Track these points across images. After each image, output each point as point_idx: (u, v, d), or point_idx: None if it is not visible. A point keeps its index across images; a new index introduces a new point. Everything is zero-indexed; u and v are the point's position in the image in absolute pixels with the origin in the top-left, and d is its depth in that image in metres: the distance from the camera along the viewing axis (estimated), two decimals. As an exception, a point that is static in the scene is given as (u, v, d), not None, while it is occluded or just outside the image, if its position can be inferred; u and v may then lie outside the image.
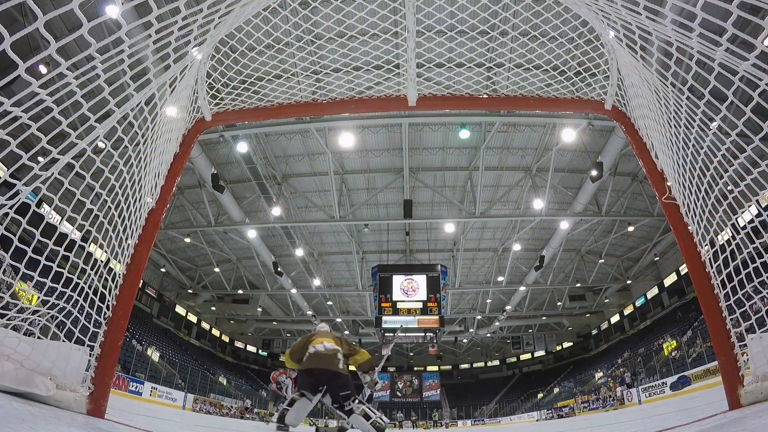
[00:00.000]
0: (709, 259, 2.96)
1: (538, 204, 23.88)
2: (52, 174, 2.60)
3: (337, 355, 5.60)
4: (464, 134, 19.74)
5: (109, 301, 3.13)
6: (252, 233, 27.91)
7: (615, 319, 45.40)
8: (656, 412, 10.77)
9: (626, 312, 43.48)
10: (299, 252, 30.50)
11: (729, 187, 2.76)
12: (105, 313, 3.09)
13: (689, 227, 3.11)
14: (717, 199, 2.83)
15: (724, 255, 2.88)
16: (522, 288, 36.61)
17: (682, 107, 2.83)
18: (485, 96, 4.45)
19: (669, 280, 36.38)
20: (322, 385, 5.42)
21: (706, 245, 3.02)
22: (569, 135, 20.08)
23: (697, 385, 20.42)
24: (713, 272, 2.92)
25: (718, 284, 2.87)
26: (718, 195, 2.82)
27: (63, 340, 2.89)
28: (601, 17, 3.27)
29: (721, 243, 2.97)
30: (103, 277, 3.12)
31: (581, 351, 51.32)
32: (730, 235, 2.99)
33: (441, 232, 30.50)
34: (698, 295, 2.97)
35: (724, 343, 2.74)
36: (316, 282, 34.80)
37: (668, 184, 3.35)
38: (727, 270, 2.83)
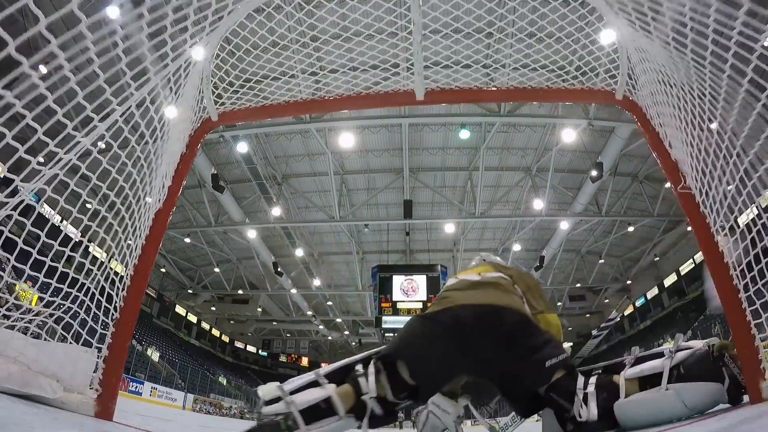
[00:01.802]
0: (728, 248, 2.91)
1: (538, 204, 23.87)
2: (57, 176, 2.58)
3: (507, 286, 2.49)
4: (464, 134, 19.70)
5: (116, 302, 3.10)
6: (252, 233, 27.89)
7: (615, 319, 45.39)
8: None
9: (626, 312, 43.46)
10: (299, 252, 30.48)
11: (753, 177, 2.68)
12: (112, 314, 3.07)
13: (706, 219, 3.06)
14: (738, 186, 2.77)
15: (744, 243, 2.82)
16: (522, 288, 36.55)
17: (706, 86, 2.75)
18: (494, 89, 4.41)
19: (669, 281, 36.40)
20: (483, 347, 2.20)
21: (724, 234, 2.96)
22: (569, 135, 20.05)
23: (698, 385, 20.36)
24: (732, 262, 2.86)
25: (737, 275, 2.82)
26: (738, 184, 2.76)
27: (70, 342, 2.87)
28: (610, 1, 3.24)
29: (738, 232, 2.92)
30: (110, 279, 3.10)
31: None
32: (750, 220, 2.91)
33: (441, 233, 30.43)
34: (717, 286, 2.92)
35: (744, 336, 2.70)
36: (316, 282, 34.79)
37: (683, 174, 3.30)
38: (747, 259, 2.77)
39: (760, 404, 2.44)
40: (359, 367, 2.28)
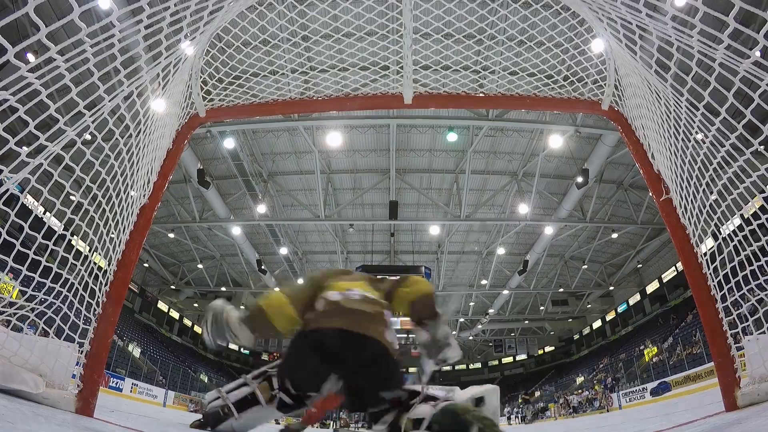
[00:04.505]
0: (707, 260, 2.97)
1: (524, 209, 24.01)
2: (42, 166, 2.55)
3: (383, 315, 2.54)
4: (452, 137, 19.78)
5: (99, 297, 3.08)
6: (236, 230, 27.74)
7: (597, 324, 45.70)
8: (641, 416, 10.84)
9: (608, 318, 43.81)
10: (283, 250, 30.34)
11: (733, 192, 2.76)
12: (95, 309, 3.04)
13: (686, 230, 3.11)
14: (716, 201, 2.84)
15: (722, 256, 2.91)
16: (505, 292, 36.74)
17: (682, 108, 2.83)
18: (481, 95, 4.44)
19: (651, 287, 36.78)
20: (338, 371, 2.34)
21: (703, 245, 3.03)
22: (556, 141, 20.18)
23: (677, 391, 20.61)
24: (710, 273, 2.93)
25: (714, 285, 2.88)
26: (716, 197, 2.84)
27: (52, 337, 2.84)
28: (600, 16, 3.28)
29: (715, 244, 3.00)
30: (93, 273, 3.07)
31: (563, 355, 51.58)
32: (726, 235, 3.00)
33: (426, 234, 30.50)
34: (695, 295, 2.97)
35: (720, 345, 2.76)
36: (300, 281, 34.54)
37: (665, 186, 3.35)
38: (725, 271, 2.85)
39: (735, 411, 2.50)
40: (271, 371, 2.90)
